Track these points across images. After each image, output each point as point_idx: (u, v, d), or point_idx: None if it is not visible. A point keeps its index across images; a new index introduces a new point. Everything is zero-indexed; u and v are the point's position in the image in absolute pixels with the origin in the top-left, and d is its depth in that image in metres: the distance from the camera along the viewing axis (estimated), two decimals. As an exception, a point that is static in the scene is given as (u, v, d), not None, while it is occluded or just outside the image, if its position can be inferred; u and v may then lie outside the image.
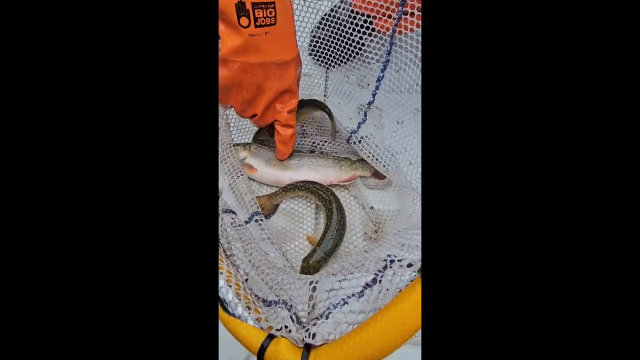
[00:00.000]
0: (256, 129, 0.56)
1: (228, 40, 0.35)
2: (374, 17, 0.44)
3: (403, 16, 0.40)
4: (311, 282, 0.27)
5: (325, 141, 0.56)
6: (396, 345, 0.21)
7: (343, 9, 0.50)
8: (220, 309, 0.25)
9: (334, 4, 0.53)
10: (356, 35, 0.47)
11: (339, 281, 0.27)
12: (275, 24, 0.35)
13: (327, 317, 0.25)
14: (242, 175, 0.48)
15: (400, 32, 0.41)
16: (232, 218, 0.36)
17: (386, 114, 0.55)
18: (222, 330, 0.23)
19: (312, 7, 0.54)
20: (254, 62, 0.37)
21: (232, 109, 0.45)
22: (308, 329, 0.24)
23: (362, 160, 0.52)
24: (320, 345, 0.23)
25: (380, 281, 0.25)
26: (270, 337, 0.24)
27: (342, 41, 0.50)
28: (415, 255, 0.24)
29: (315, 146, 0.57)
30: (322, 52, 0.55)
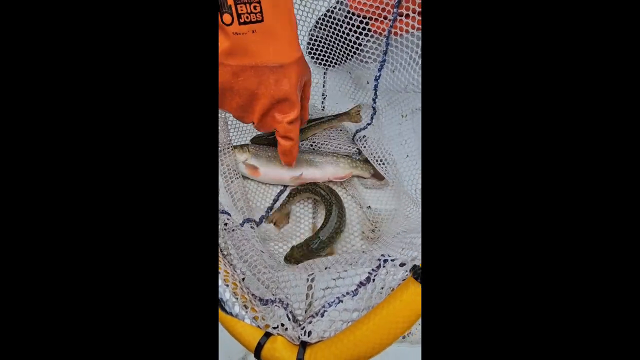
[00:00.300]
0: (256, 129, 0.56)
1: (220, 42, 0.33)
2: (370, 19, 0.44)
3: (398, 18, 0.40)
4: (307, 279, 0.28)
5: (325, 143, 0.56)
6: (388, 343, 0.22)
7: (340, 9, 0.51)
8: (218, 308, 0.26)
9: (331, 5, 0.54)
10: (352, 36, 0.47)
11: (334, 279, 0.27)
12: (262, 20, 0.31)
13: (322, 315, 0.25)
14: (237, 177, 0.48)
15: (396, 34, 0.41)
16: (228, 219, 0.37)
17: (382, 113, 0.55)
18: (220, 329, 0.24)
19: (309, 6, 0.54)
20: (245, 64, 0.34)
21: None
22: (304, 327, 0.25)
23: (364, 160, 0.53)
24: (316, 342, 0.24)
25: (373, 280, 0.25)
26: (267, 335, 0.25)
27: (340, 42, 0.50)
28: (408, 256, 0.25)
29: (315, 146, 0.57)
30: (320, 52, 0.56)
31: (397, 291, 0.23)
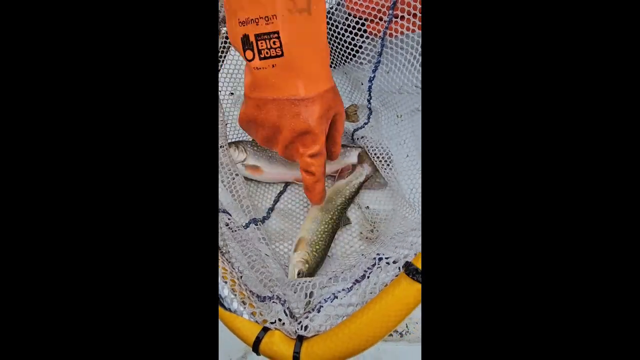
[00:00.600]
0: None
1: (245, 77, 0.34)
2: (366, 20, 0.45)
3: (394, 19, 0.41)
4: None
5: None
6: (381, 336, 0.23)
7: (339, 10, 0.52)
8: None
9: (330, 6, 0.54)
10: (349, 37, 0.48)
11: (330, 278, 0.28)
12: (282, 55, 0.32)
13: (318, 311, 0.26)
14: (237, 175, 0.48)
15: (391, 35, 0.42)
16: (228, 218, 0.38)
17: (379, 113, 0.56)
18: (220, 328, 0.24)
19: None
20: (266, 97, 0.34)
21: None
22: (300, 322, 0.26)
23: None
24: (312, 336, 0.25)
25: (368, 277, 0.26)
26: (265, 329, 0.25)
27: (338, 43, 0.51)
28: (401, 253, 0.26)
29: None
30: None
31: (389, 287, 0.24)
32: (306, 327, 0.25)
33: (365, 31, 0.46)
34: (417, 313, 0.22)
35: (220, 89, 0.53)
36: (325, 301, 0.27)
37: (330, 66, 0.55)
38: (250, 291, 0.28)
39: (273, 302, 0.27)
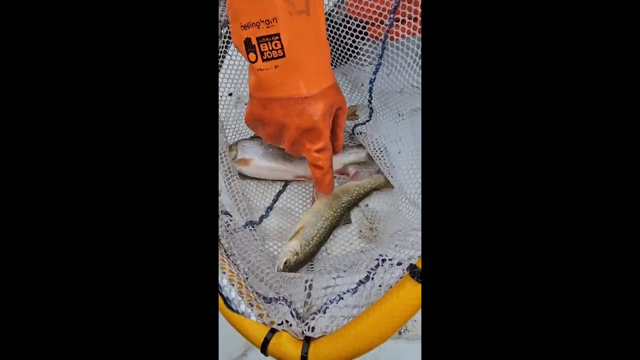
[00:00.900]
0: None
1: (249, 77, 0.36)
2: (367, 23, 0.46)
3: (395, 23, 0.42)
4: (307, 281, 0.29)
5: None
6: (386, 337, 0.23)
7: (337, 12, 0.52)
8: (225, 306, 0.27)
9: (329, 8, 0.54)
10: (349, 39, 0.48)
11: (334, 278, 0.29)
12: (283, 56, 0.33)
13: (324, 312, 0.27)
14: (236, 177, 0.48)
15: (392, 38, 0.42)
16: (230, 220, 0.38)
17: (379, 113, 0.56)
18: (220, 327, 0.24)
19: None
20: (270, 97, 0.36)
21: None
22: (307, 323, 0.26)
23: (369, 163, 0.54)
24: (319, 337, 0.26)
25: (372, 278, 0.27)
26: (273, 331, 0.26)
27: (337, 44, 0.51)
28: (405, 255, 0.27)
29: None
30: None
31: (394, 288, 0.24)
32: (313, 328, 0.26)
33: (366, 34, 0.47)
34: (416, 311, 0.23)
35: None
36: (331, 302, 0.27)
37: (332, 66, 0.56)
38: (257, 293, 0.29)
39: (279, 303, 0.28)
